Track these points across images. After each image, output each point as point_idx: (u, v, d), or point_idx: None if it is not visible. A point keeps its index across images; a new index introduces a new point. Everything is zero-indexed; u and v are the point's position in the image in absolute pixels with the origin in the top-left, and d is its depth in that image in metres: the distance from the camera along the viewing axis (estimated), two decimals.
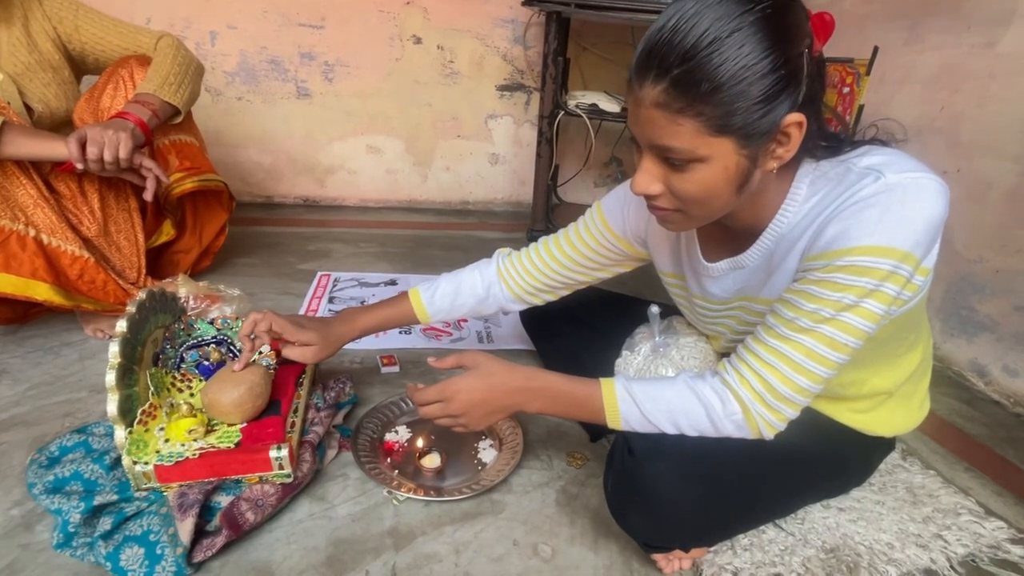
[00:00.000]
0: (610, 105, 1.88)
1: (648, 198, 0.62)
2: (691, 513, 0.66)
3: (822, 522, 0.84)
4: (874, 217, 0.54)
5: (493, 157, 2.37)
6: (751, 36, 0.51)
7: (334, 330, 0.93)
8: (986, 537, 0.84)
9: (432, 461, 0.90)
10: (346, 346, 1.24)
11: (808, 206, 0.62)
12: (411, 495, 0.84)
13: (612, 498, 0.71)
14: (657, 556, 0.74)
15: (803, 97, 0.55)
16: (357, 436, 0.95)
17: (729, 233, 0.72)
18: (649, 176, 0.59)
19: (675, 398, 0.66)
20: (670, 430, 0.67)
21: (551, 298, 0.96)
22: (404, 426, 0.98)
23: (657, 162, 0.59)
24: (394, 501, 0.84)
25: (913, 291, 0.61)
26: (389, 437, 0.95)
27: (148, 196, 1.17)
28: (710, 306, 0.80)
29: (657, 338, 0.88)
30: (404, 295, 0.97)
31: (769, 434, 0.65)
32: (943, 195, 0.56)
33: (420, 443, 0.93)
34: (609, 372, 0.94)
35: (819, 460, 0.77)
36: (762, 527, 0.82)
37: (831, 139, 0.62)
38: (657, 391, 0.67)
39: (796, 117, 0.55)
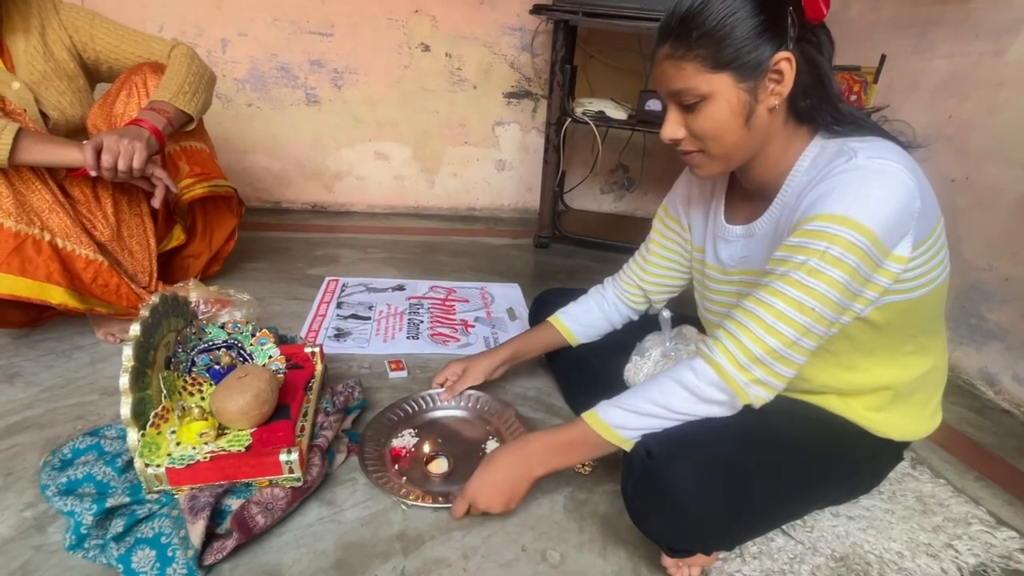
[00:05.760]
0: (617, 112, 1.88)
1: (676, 144, 0.72)
2: (713, 513, 0.67)
3: (831, 530, 0.84)
4: (837, 190, 0.61)
5: (500, 163, 2.38)
6: None
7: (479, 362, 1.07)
8: (997, 547, 0.84)
9: (439, 466, 0.91)
10: (354, 351, 1.27)
11: (806, 179, 0.68)
12: (419, 503, 0.84)
13: (632, 502, 0.71)
14: (667, 563, 0.74)
15: (792, 44, 0.63)
16: (363, 443, 0.95)
17: (748, 198, 0.79)
18: (673, 124, 0.70)
19: (654, 385, 0.70)
20: (668, 416, 0.69)
21: (663, 300, 1.01)
22: (410, 431, 0.99)
23: (677, 110, 0.70)
24: (403, 506, 0.85)
25: (889, 279, 0.64)
26: (396, 443, 0.96)
27: (156, 203, 1.19)
28: (716, 275, 0.84)
29: (668, 343, 0.88)
30: (547, 323, 1.05)
31: (755, 401, 0.67)
32: (903, 183, 0.61)
33: (427, 448, 0.94)
34: (619, 377, 0.94)
35: (833, 459, 0.78)
36: (771, 535, 0.82)
37: (845, 115, 0.68)
38: (637, 391, 0.71)
39: (784, 54, 0.63)
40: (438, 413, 1.04)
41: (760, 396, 0.67)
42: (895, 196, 0.60)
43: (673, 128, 0.70)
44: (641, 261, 0.99)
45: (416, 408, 1.06)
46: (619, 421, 0.70)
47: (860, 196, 0.60)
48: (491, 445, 0.97)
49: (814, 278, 0.61)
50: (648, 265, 0.98)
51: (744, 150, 0.70)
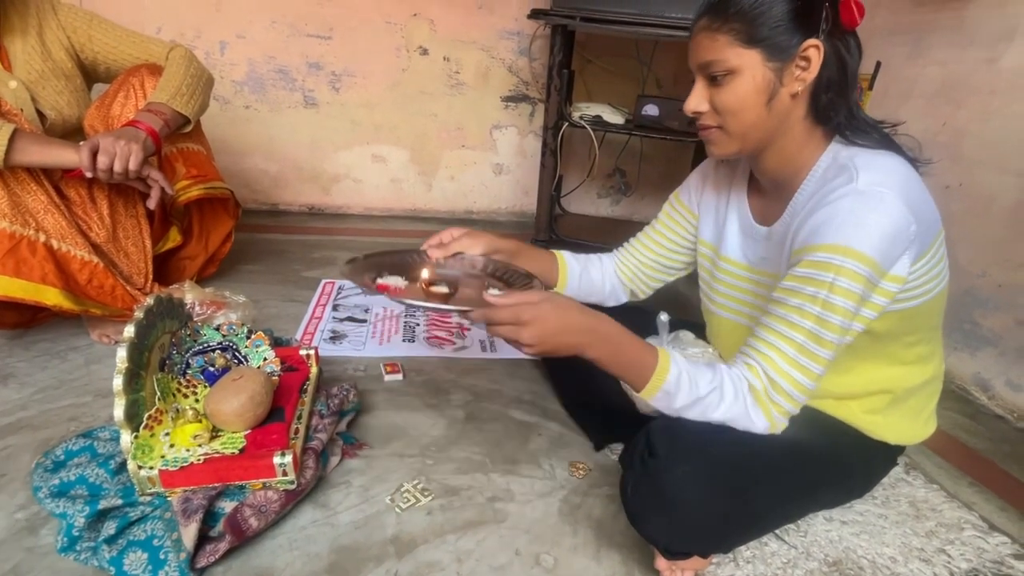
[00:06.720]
0: (614, 117, 1.89)
1: (697, 118, 0.74)
2: (714, 516, 0.67)
3: (825, 535, 0.84)
4: (838, 219, 0.64)
5: (497, 167, 2.39)
6: None
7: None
8: (990, 552, 0.84)
9: (441, 288, 0.83)
10: (350, 354, 1.27)
11: (815, 188, 0.70)
12: (422, 303, 0.76)
13: (631, 502, 0.70)
14: (661, 566, 0.74)
15: (823, 37, 0.66)
16: (350, 265, 0.84)
17: (764, 197, 0.81)
18: (698, 97, 0.73)
19: (715, 389, 0.69)
20: (704, 417, 0.69)
21: (653, 283, 1.02)
22: (397, 277, 0.87)
23: (704, 84, 0.72)
24: (396, 509, 0.84)
25: (887, 297, 0.67)
26: (382, 281, 0.86)
27: (151, 204, 1.19)
28: (735, 270, 0.85)
29: (665, 347, 0.88)
30: (549, 251, 1.01)
31: (778, 429, 0.69)
32: (898, 209, 0.63)
33: (426, 274, 0.86)
34: (616, 380, 0.94)
35: (829, 461, 0.78)
36: (764, 539, 0.82)
37: (858, 120, 0.70)
38: (708, 389, 0.69)
39: (814, 42, 0.66)
40: (427, 271, 0.88)
41: (783, 424, 0.70)
42: (891, 223, 0.63)
43: (697, 101, 0.72)
44: (644, 238, 1.00)
45: (402, 263, 0.92)
46: (673, 387, 0.68)
47: (859, 225, 0.62)
48: (493, 291, 0.82)
49: (829, 311, 0.64)
50: (650, 242, 0.99)
51: (761, 132, 0.72)
